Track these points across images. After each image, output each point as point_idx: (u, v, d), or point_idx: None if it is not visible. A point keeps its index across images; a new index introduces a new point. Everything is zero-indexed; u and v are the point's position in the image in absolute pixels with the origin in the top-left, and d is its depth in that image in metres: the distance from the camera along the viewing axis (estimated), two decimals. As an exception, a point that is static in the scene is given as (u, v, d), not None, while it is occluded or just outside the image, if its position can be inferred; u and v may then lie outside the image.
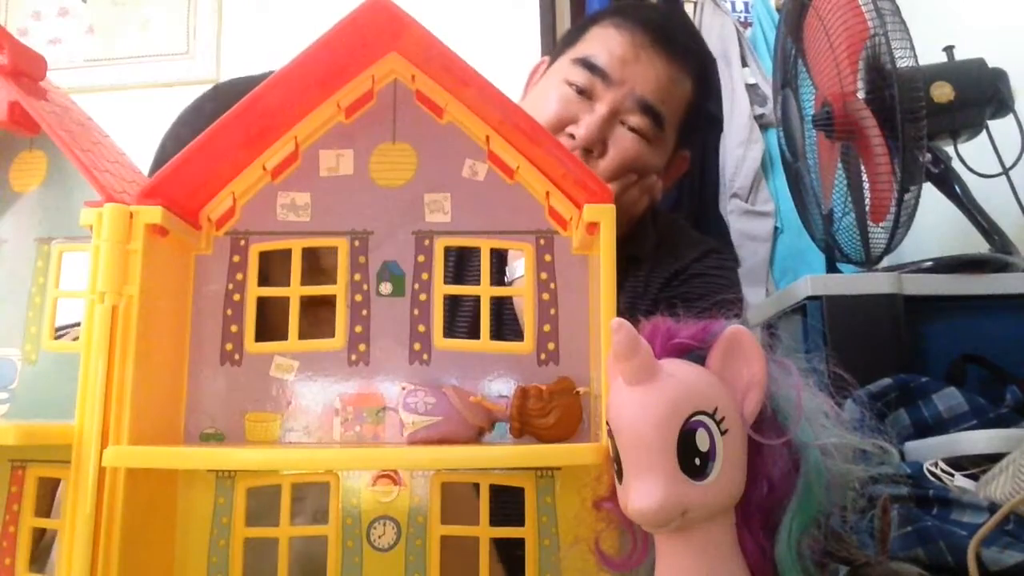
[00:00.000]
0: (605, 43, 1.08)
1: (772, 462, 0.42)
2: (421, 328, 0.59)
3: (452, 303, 0.88)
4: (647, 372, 0.42)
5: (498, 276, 1.04)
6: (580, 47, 1.09)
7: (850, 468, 0.43)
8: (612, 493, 0.45)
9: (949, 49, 1.35)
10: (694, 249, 1.15)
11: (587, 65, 1.06)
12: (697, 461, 0.41)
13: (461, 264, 0.97)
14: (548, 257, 0.60)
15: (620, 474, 0.43)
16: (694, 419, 0.41)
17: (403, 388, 0.55)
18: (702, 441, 0.41)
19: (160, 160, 0.82)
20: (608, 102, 1.04)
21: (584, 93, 1.06)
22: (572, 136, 1.04)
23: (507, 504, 0.58)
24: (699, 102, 1.13)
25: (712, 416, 0.41)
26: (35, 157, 0.61)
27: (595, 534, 0.48)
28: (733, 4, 2.38)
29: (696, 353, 0.44)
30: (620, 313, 0.43)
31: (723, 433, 0.41)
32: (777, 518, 0.42)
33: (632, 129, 1.05)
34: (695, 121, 1.14)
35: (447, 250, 0.61)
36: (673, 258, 1.12)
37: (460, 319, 0.90)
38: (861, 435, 0.45)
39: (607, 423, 0.44)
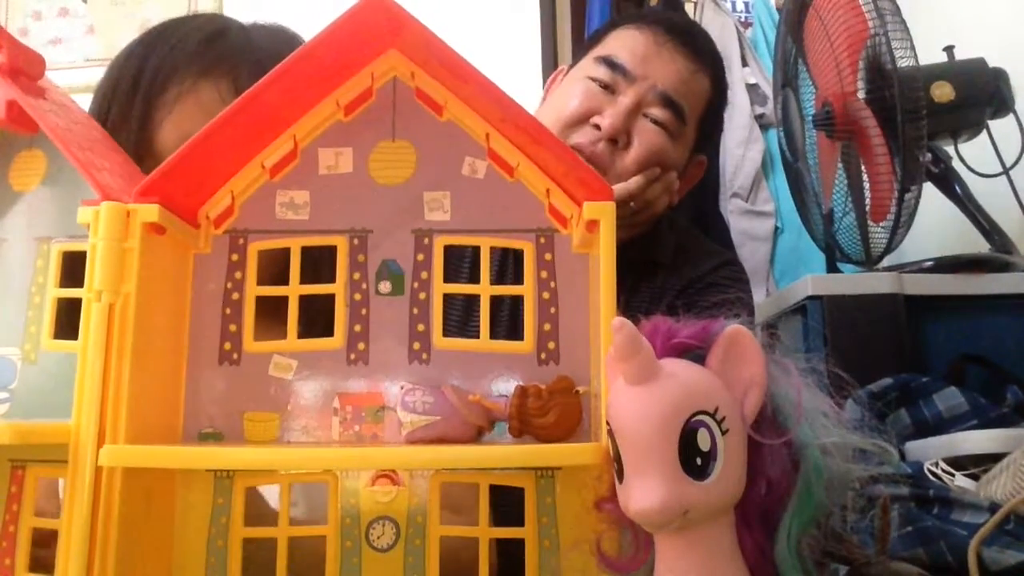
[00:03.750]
0: (626, 42, 1.11)
1: (771, 462, 0.42)
2: (420, 327, 0.59)
3: (468, 302, 0.89)
4: (648, 372, 0.42)
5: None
6: (601, 47, 1.13)
7: (850, 468, 0.43)
8: (613, 493, 0.45)
9: (949, 49, 1.36)
10: (710, 259, 1.16)
11: (609, 63, 1.09)
12: (698, 461, 0.41)
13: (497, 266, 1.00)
14: (548, 256, 0.60)
15: (620, 474, 0.43)
16: (695, 419, 0.41)
17: (401, 387, 0.55)
18: (703, 441, 0.41)
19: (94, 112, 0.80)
20: (632, 94, 1.07)
21: (607, 88, 1.08)
22: (597, 127, 1.07)
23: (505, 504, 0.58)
24: (716, 102, 1.15)
25: (713, 416, 0.41)
26: (35, 156, 0.61)
27: (596, 535, 0.48)
28: (733, 4, 2.38)
29: (696, 353, 0.44)
30: (625, 314, 0.43)
31: (724, 433, 0.41)
32: (777, 518, 0.42)
33: (655, 122, 1.07)
34: (713, 121, 1.16)
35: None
36: (690, 266, 1.13)
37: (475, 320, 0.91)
38: (861, 435, 0.44)
39: (607, 423, 0.44)
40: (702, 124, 1.13)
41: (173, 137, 0.78)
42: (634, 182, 1.04)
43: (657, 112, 1.07)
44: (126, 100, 0.79)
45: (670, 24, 1.14)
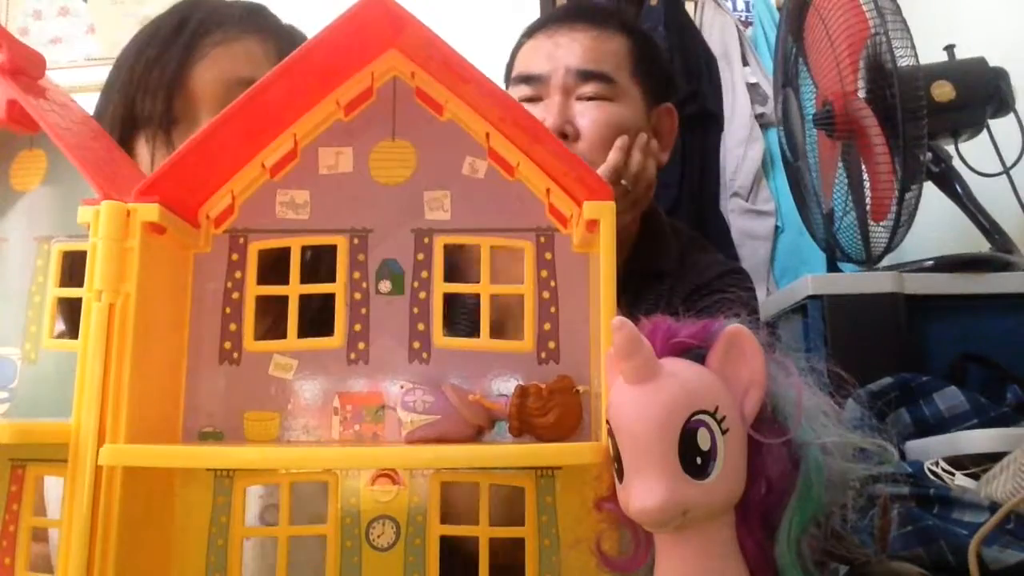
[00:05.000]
0: (527, 54, 1.14)
1: (771, 461, 0.42)
2: (420, 326, 0.59)
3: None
4: (648, 371, 0.42)
5: None
6: (514, 71, 1.16)
7: (850, 467, 0.43)
8: (613, 493, 0.45)
9: (950, 48, 1.36)
10: (716, 267, 1.16)
11: (523, 79, 1.12)
12: (699, 460, 0.41)
13: None
14: (548, 255, 0.60)
15: (620, 473, 0.43)
16: (695, 418, 0.41)
17: (401, 387, 0.55)
18: (703, 440, 0.41)
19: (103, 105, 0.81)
20: (553, 90, 1.09)
21: (535, 100, 1.11)
22: None
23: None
24: (641, 48, 1.15)
25: (713, 415, 0.41)
26: (35, 156, 0.61)
27: (596, 534, 0.48)
28: (734, 3, 2.38)
29: (696, 352, 0.44)
30: (625, 314, 0.43)
31: (724, 432, 0.41)
32: (777, 517, 0.42)
33: (587, 99, 1.08)
34: (650, 67, 1.16)
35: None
36: (695, 274, 1.13)
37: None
38: (861, 434, 0.44)
39: (607, 422, 0.44)
40: (639, 76, 1.13)
41: (210, 76, 0.78)
42: (611, 158, 1.04)
43: (583, 89, 1.08)
44: (167, 40, 0.80)
45: (557, 15, 1.17)
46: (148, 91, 0.78)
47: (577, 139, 1.06)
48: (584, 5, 1.22)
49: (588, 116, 1.07)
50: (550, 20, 1.16)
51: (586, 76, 1.08)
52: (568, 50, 1.09)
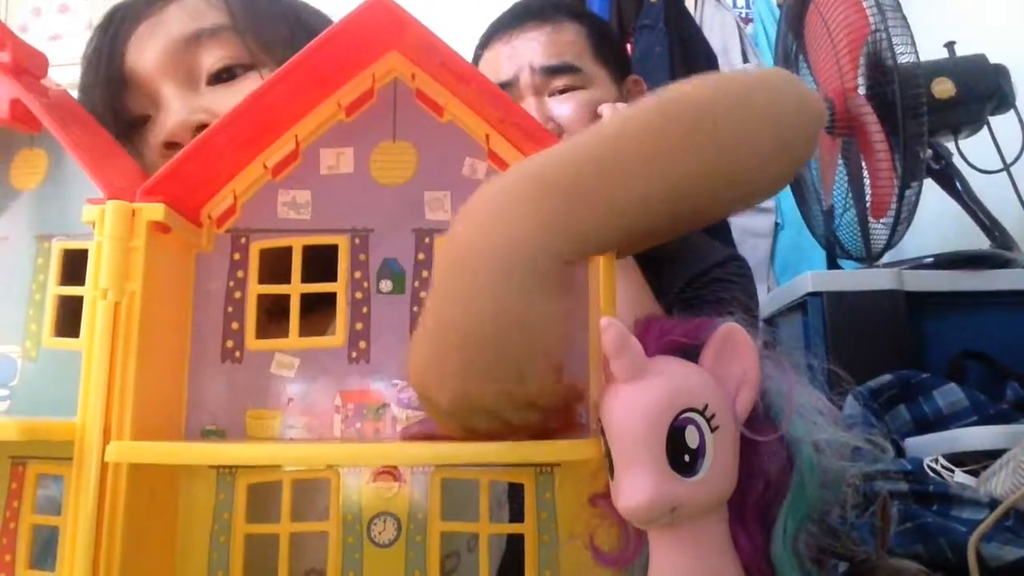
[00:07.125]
0: (488, 65, 1.15)
1: (768, 459, 0.42)
2: (421, 325, 0.59)
3: None
4: (636, 370, 0.42)
5: None
6: None
7: (844, 464, 0.44)
8: (607, 489, 0.45)
9: (950, 45, 1.36)
10: (716, 255, 1.16)
11: None
12: (687, 458, 0.41)
13: None
14: (548, 255, 0.60)
15: (612, 471, 0.43)
16: (683, 416, 0.41)
17: (395, 384, 0.56)
18: (691, 438, 0.41)
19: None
20: (524, 93, 1.09)
21: None
22: None
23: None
24: (596, 31, 1.16)
25: (702, 413, 0.42)
26: (36, 154, 0.61)
27: (590, 530, 0.48)
28: (734, 0, 2.38)
29: (691, 350, 0.44)
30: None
31: (713, 430, 0.41)
32: (773, 515, 0.42)
33: (559, 93, 1.09)
34: (608, 47, 1.16)
35: None
36: (694, 261, 1.13)
37: None
38: (856, 431, 0.45)
39: (598, 420, 0.44)
40: (601, 58, 1.13)
41: (144, 55, 0.74)
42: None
43: (553, 84, 1.08)
44: (100, 38, 0.76)
45: (504, 21, 1.17)
46: (97, 114, 0.73)
47: (560, 135, 1.06)
48: (528, 4, 1.23)
49: (566, 109, 1.07)
50: (500, 27, 1.16)
51: (553, 71, 1.09)
52: (528, 49, 1.10)
